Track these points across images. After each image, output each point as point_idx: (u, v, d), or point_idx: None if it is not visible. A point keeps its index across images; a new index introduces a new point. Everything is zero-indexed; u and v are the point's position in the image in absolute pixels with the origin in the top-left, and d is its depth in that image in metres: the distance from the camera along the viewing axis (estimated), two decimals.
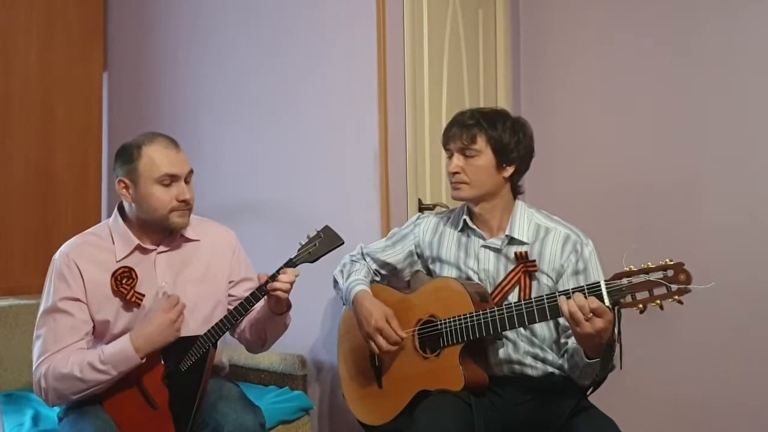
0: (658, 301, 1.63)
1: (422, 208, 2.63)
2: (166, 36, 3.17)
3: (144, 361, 1.86)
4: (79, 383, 1.83)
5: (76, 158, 3.17)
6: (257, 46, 2.86)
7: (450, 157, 2.06)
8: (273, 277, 1.90)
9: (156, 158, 1.92)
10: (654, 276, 1.64)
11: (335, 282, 2.25)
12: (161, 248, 2.02)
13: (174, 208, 1.94)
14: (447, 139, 2.05)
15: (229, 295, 2.11)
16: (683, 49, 2.86)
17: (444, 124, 2.70)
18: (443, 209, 2.47)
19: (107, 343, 1.94)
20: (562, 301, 1.71)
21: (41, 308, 1.93)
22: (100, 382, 1.84)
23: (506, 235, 2.01)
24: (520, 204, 2.06)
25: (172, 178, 1.93)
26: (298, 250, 1.92)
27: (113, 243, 1.99)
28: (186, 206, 1.96)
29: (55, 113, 3.10)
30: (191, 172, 1.99)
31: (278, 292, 1.90)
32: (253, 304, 1.92)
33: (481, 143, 1.99)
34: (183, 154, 1.98)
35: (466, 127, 2.00)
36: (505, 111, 2.10)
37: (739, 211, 2.74)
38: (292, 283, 1.91)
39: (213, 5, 3.01)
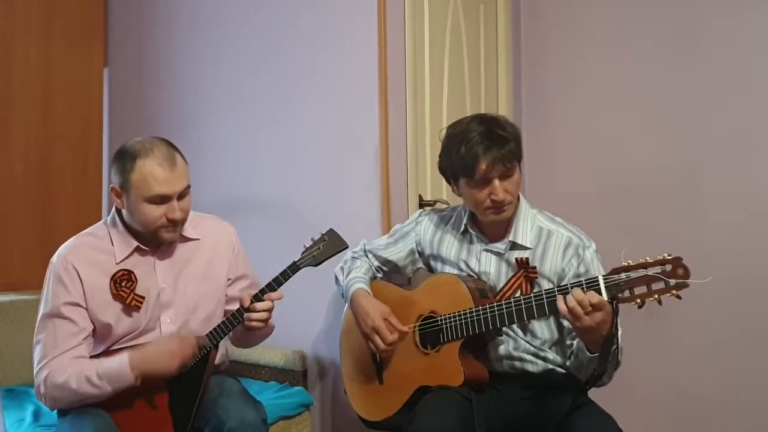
0: (657, 296, 1.63)
1: (423, 204, 2.62)
2: (166, 32, 3.16)
3: (138, 383, 1.82)
4: (75, 395, 1.83)
5: (76, 154, 3.16)
6: (258, 42, 2.86)
7: (483, 186, 1.91)
8: (258, 298, 1.88)
9: (148, 176, 1.83)
10: (652, 270, 1.63)
11: (336, 279, 2.25)
12: (161, 249, 1.99)
13: (162, 225, 1.89)
14: (483, 171, 1.87)
15: (225, 295, 2.09)
16: (684, 49, 2.85)
17: (445, 121, 2.69)
18: (444, 206, 2.47)
19: (110, 346, 1.93)
20: (559, 300, 1.70)
21: (40, 312, 1.91)
22: (96, 396, 1.83)
23: (509, 241, 1.99)
24: (524, 205, 2.02)
25: (163, 198, 1.86)
26: (302, 253, 1.90)
27: (112, 244, 1.95)
28: (174, 225, 1.91)
29: (56, 109, 3.10)
30: (187, 187, 1.91)
31: (253, 323, 1.88)
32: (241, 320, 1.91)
33: (514, 160, 1.93)
34: (179, 169, 1.87)
35: (504, 150, 1.87)
36: (495, 115, 2.01)
37: (740, 209, 2.73)
38: (270, 310, 1.89)
39: (213, 1, 3.00)
